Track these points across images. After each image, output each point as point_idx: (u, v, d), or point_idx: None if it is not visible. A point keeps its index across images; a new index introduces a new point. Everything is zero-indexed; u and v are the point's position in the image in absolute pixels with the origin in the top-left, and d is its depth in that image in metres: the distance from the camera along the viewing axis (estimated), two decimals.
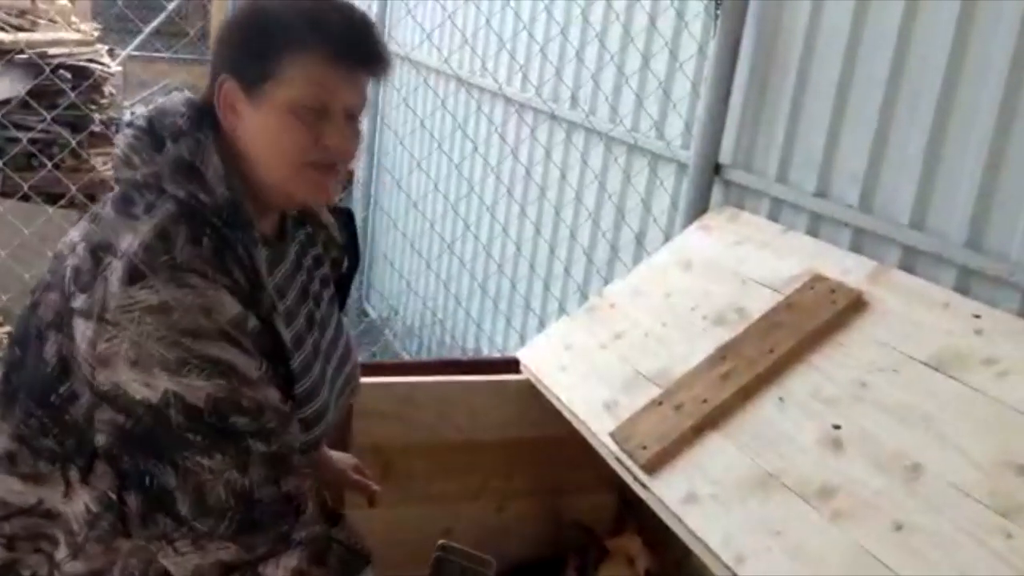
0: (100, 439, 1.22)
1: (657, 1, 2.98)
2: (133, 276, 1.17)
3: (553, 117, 3.67)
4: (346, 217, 1.60)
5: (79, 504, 1.27)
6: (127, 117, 1.33)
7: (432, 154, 4.75)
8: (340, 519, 1.36)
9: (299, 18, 1.26)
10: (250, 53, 1.27)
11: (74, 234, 1.29)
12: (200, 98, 1.34)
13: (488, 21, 4.12)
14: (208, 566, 1.22)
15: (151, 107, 1.33)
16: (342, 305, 1.61)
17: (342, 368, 1.54)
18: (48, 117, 3.86)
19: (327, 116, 1.27)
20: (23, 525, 1.29)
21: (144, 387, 1.17)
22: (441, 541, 1.59)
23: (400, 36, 5.08)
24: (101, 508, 1.26)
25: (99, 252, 1.21)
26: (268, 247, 1.36)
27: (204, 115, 1.31)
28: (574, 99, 3.54)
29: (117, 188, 1.30)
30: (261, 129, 1.27)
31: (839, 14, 2.29)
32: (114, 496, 1.25)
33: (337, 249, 1.57)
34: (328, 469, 1.76)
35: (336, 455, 1.83)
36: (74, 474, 1.26)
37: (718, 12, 2.63)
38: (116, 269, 1.18)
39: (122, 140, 1.30)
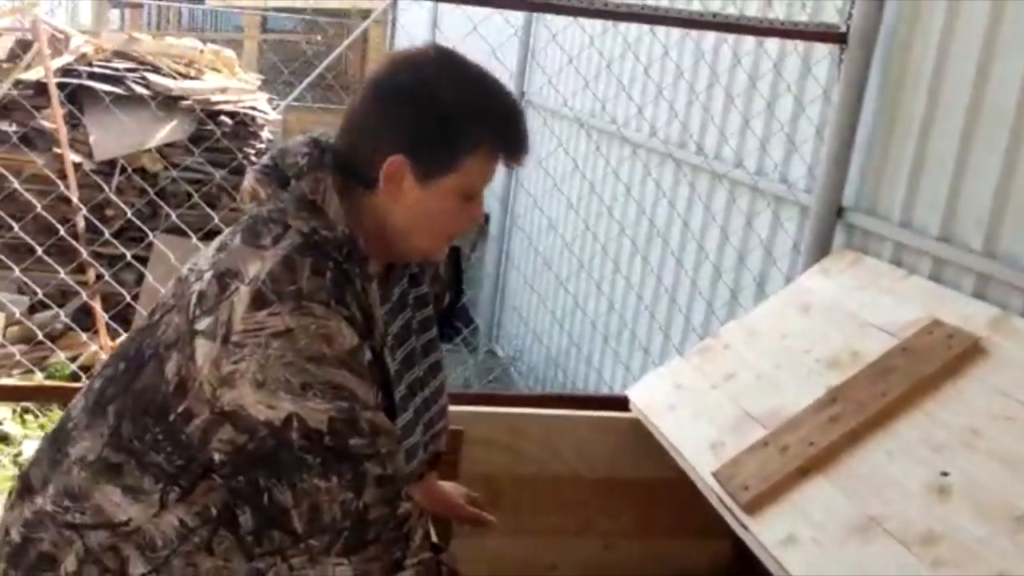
0: (216, 457, 1.30)
1: (783, 44, 2.98)
2: (260, 302, 1.25)
3: (674, 160, 3.69)
4: (454, 254, 1.67)
5: (170, 519, 1.32)
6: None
7: (566, 213, 4.82)
8: (443, 548, 1.40)
9: (479, 117, 1.34)
10: (431, 145, 1.33)
11: (201, 262, 1.37)
12: (324, 140, 1.42)
13: (634, 78, 4.19)
14: None
15: (276, 147, 1.43)
16: (441, 335, 1.65)
17: (428, 408, 1.58)
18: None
19: (476, 196, 1.39)
20: (100, 541, 1.34)
21: (268, 408, 1.25)
22: None
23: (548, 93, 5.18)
24: (199, 522, 1.32)
25: (226, 278, 1.29)
26: (378, 285, 1.42)
27: (324, 155, 1.38)
28: (697, 143, 3.56)
29: (244, 220, 1.39)
30: (423, 207, 1.35)
31: (965, 59, 2.24)
32: (215, 510, 1.32)
33: (440, 284, 1.63)
34: (440, 501, 1.79)
35: (447, 485, 1.86)
36: (173, 495, 1.32)
37: (843, 57, 2.61)
38: (243, 295, 1.26)
39: (250, 176, 1.40)
